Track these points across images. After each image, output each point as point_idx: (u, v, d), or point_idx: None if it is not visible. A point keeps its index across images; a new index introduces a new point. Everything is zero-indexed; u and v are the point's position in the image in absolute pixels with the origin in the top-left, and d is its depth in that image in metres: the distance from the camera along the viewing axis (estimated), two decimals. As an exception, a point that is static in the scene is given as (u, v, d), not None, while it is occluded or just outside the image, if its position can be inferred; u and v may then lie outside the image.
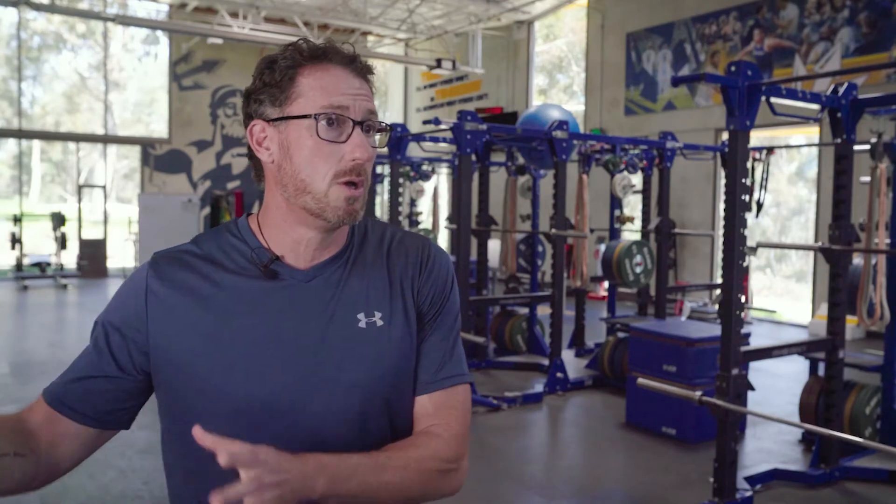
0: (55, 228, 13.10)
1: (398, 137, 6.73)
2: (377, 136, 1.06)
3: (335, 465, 0.93)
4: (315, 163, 1.01)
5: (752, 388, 5.16)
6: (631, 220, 7.37)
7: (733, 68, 3.55)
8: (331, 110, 1.00)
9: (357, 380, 1.05)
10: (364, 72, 1.05)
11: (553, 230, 6.06)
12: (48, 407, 1.06)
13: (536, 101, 14.66)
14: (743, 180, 3.67)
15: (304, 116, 1.00)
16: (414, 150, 8.94)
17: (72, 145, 16.41)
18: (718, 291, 7.68)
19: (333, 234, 1.08)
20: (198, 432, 0.85)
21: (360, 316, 1.07)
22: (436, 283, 1.13)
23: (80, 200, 14.20)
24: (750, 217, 5.13)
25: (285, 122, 1.02)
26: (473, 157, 6.09)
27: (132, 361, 1.06)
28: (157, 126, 16.31)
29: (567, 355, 6.80)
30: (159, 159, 15.26)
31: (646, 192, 7.28)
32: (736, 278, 3.68)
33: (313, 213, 1.02)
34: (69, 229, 13.55)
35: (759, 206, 6.76)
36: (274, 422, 1.02)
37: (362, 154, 1.01)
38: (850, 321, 4.41)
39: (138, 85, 17.32)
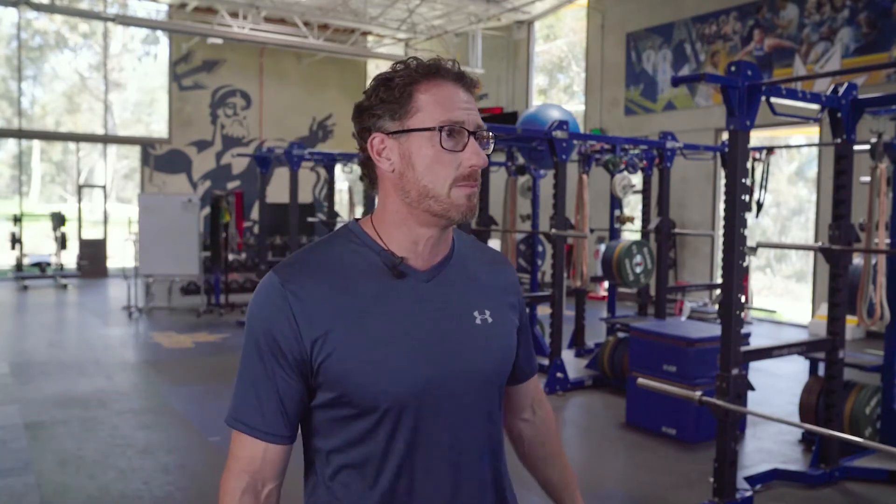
0: (55, 228, 13.10)
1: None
2: (490, 145, 1.17)
3: None
4: (436, 170, 1.11)
5: (752, 388, 5.17)
6: (631, 220, 7.37)
7: (733, 68, 3.55)
8: (450, 123, 1.10)
9: (484, 371, 1.18)
10: (471, 87, 1.16)
11: (553, 230, 6.06)
12: (259, 442, 1.13)
13: (536, 101, 14.66)
14: (743, 180, 3.67)
15: (428, 129, 1.10)
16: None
17: (72, 145, 16.41)
18: (718, 291, 7.68)
19: (445, 236, 1.19)
20: None
21: (475, 313, 1.19)
22: (519, 292, 1.32)
23: (80, 200, 14.20)
24: (750, 217, 5.13)
25: (406, 134, 1.11)
26: (473, 157, 6.08)
27: (298, 370, 1.12)
28: (157, 126, 16.31)
29: (567, 355, 6.80)
30: (159, 159, 15.26)
31: (646, 192, 7.28)
32: (736, 278, 3.68)
33: (437, 215, 1.12)
34: (69, 229, 13.54)
35: (759, 206, 6.76)
36: (429, 413, 1.12)
37: (478, 161, 1.12)
38: (850, 321, 4.41)
39: (138, 85, 17.32)
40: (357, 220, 1.21)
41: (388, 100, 1.12)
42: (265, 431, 1.12)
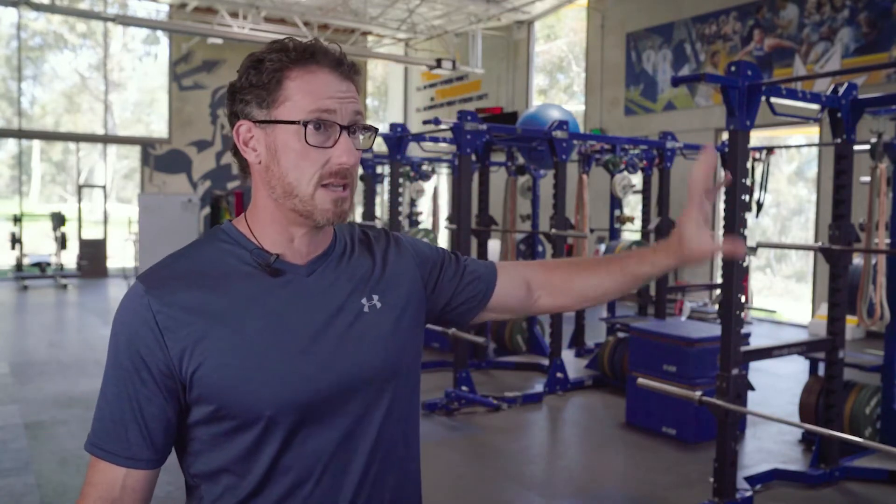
0: (55, 228, 13.10)
1: (398, 137, 6.73)
2: (362, 138, 1.07)
3: None
4: (302, 166, 1.02)
5: (752, 388, 5.17)
6: (631, 220, 7.37)
7: (733, 68, 3.55)
8: (318, 116, 1.01)
9: (377, 361, 1.10)
10: (351, 74, 1.06)
11: (553, 230, 6.06)
12: (117, 468, 1.02)
13: (536, 101, 14.65)
14: (743, 180, 3.67)
15: (293, 122, 1.01)
16: (414, 150, 8.95)
17: (72, 145, 16.41)
18: (718, 291, 7.68)
19: (321, 230, 1.10)
20: None
21: (363, 301, 1.11)
22: (410, 257, 1.22)
23: (80, 200, 14.19)
24: (750, 217, 5.13)
25: (272, 125, 1.02)
26: (473, 157, 6.09)
27: (164, 386, 1.02)
28: (157, 126, 16.31)
29: (567, 355, 6.80)
30: (159, 159, 15.27)
31: (646, 192, 7.28)
32: (736, 278, 3.68)
33: (302, 215, 1.04)
34: (69, 229, 13.54)
35: (759, 206, 6.76)
36: (321, 417, 1.04)
37: (349, 159, 1.02)
38: (850, 321, 4.41)
39: (138, 85, 17.32)
40: (230, 220, 1.13)
41: (256, 84, 1.02)
42: (124, 456, 1.01)
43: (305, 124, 1.00)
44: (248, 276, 1.05)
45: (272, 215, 1.06)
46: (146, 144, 15.31)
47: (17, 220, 13.12)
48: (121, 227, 15.50)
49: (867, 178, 4.38)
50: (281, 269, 1.06)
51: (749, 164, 6.49)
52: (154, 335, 0.99)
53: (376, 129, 1.09)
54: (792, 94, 3.87)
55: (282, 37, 1.08)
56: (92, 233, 14.36)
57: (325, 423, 1.05)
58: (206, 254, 1.07)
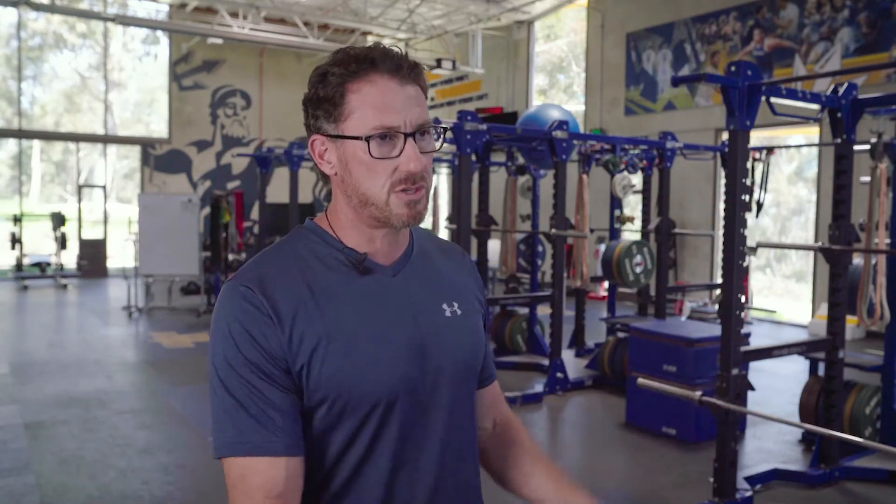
0: (55, 228, 13.10)
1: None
2: (431, 139, 1.09)
3: None
4: (371, 177, 1.04)
5: (752, 388, 5.16)
6: (631, 220, 7.37)
7: (733, 68, 3.55)
8: (381, 130, 1.02)
9: (460, 365, 1.14)
10: (411, 77, 1.06)
11: (553, 230, 6.06)
12: (276, 459, 1.00)
13: (536, 101, 14.65)
14: (743, 180, 3.67)
15: (356, 138, 1.03)
16: (414, 150, 8.91)
17: (72, 145, 16.41)
18: (718, 291, 7.68)
19: (400, 233, 1.13)
20: None
21: (444, 306, 1.15)
22: (480, 284, 1.28)
23: (80, 200, 14.20)
24: (750, 217, 5.12)
25: (342, 139, 1.05)
26: (473, 157, 6.08)
27: (287, 375, 1.03)
28: (157, 126, 16.31)
29: (567, 355, 6.80)
30: (159, 159, 15.26)
31: (646, 192, 7.28)
32: (736, 278, 3.68)
33: (379, 220, 1.07)
34: (69, 229, 13.54)
35: (759, 206, 6.75)
36: (414, 411, 1.08)
37: (416, 167, 1.04)
38: (850, 321, 4.41)
39: (138, 85, 17.31)
40: (311, 218, 1.16)
41: (323, 98, 1.05)
42: (282, 444, 0.99)
43: (368, 139, 1.02)
44: (339, 273, 1.09)
45: (353, 220, 1.10)
46: (146, 144, 15.31)
47: (17, 220, 13.13)
48: (121, 227, 15.49)
49: (867, 178, 4.38)
50: (369, 268, 1.10)
51: (749, 164, 6.49)
52: (272, 329, 1.01)
53: (445, 129, 1.11)
54: (792, 94, 3.87)
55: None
56: (92, 233, 14.36)
57: (420, 418, 1.08)
58: (297, 250, 1.10)
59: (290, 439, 1.00)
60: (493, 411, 1.32)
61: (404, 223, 1.07)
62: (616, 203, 7.49)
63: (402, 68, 1.05)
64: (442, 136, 1.12)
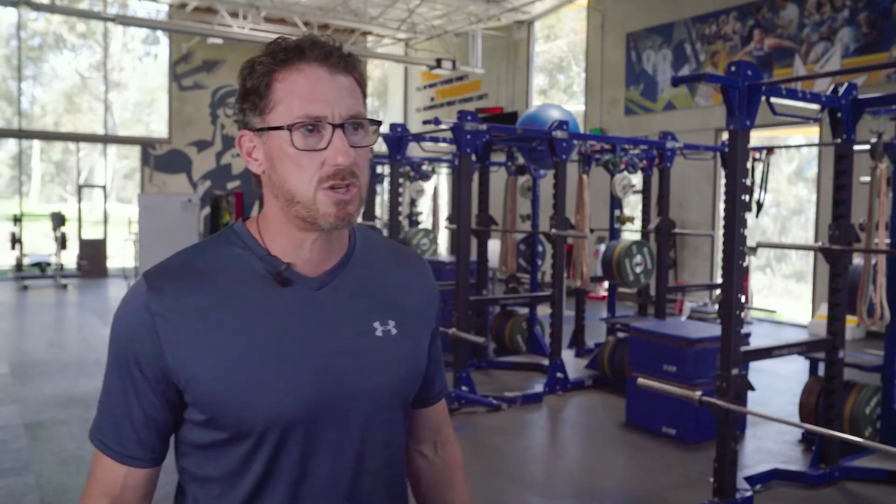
0: (55, 228, 13.10)
1: (398, 137, 6.73)
2: (363, 133, 1.00)
3: None
4: (297, 172, 0.97)
5: (752, 388, 5.16)
6: (631, 220, 7.36)
7: (733, 68, 3.55)
8: (306, 119, 0.95)
9: (381, 391, 1.05)
10: (343, 67, 0.99)
11: (553, 230, 6.06)
12: (119, 465, 1.02)
13: (536, 101, 14.65)
14: (743, 180, 3.67)
15: (280, 128, 0.96)
16: (414, 150, 8.93)
17: (72, 145, 16.41)
18: (718, 291, 7.68)
19: (334, 239, 1.05)
20: None
21: (376, 324, 1.06)
22: (435, 299, 1.18)
23: (80, 200, 14.19)
24: (750, 217, 5.13)
25: (267, 132, 0.98)
26: (473, 157, 6.08)
27: (159, 389, 1.00)
28: (157, 126, 16.31)
29: (567, 355, 6.80)
30: (159, 159, 15.27)
31: (646, 192, 7.28)
32: (736, 278, 3.68)
33: (307, 221, 0.99)
34: (69, 229, 13.54)
35: (759, 206, 6.76)
36: (314, 440, 1.01)
37: (344, 160, 0.96)
38: (850, 321, 4.41)
39: (138, 85, 17.32)
40: (245, 218, 1.08)
41: (250, 90, 0.98)
42: (124, 454, 1.00)
43: (290, 129, 0.95)
44: (255, 284, 1.01)
45: (282, 223, 1.02)
46: (146, 144, 15.31)
47: (17, 220, 13.12)
48: (121, 227, 15.50)
49: (867, 178, 4.38)
50: (290, 279, 1.02)
51: (749, 164, 6.49)
52: (150, 338, 0.97)
53: (379, 122, 1.03)
54: (792, 94, 3.87)
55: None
56: (92, 233, 14.36)
57: (322, 448, 1.01)
58: (215, 255, 1.03)
59: (138, 451, 1.01)
60: (435, 435, 1.24)
61: (332, 224, 0.98)
62: (616, 203, 7.48)
63: (332, 56, 0.98)
64: (377, 130, 1.03)
